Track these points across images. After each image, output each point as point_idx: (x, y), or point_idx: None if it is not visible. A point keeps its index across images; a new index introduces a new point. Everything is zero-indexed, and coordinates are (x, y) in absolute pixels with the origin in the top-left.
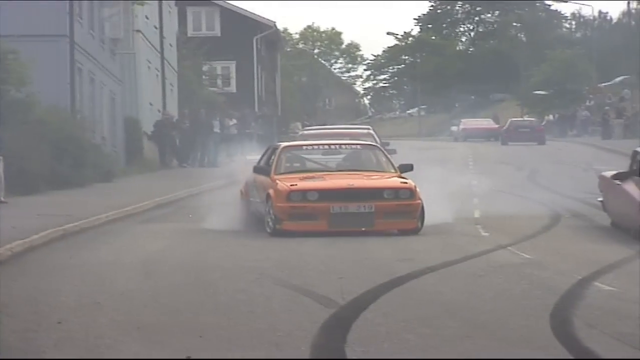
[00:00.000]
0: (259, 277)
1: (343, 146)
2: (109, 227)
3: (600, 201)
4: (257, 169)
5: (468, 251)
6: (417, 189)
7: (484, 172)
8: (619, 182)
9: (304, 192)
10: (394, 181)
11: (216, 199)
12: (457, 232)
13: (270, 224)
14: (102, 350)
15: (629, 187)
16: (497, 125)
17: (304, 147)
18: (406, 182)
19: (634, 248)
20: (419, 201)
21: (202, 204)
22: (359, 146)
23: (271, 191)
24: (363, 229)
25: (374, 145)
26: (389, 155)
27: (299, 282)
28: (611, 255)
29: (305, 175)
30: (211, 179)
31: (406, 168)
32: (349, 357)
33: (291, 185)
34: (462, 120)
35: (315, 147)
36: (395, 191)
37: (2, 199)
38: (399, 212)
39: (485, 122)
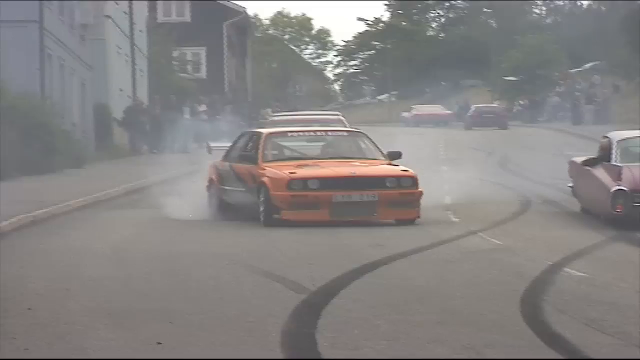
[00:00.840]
0: (229, 263)
1: (329, 133)
2: (78, 214)
3: (571, 187)
4: (241, 157)
5: (439, 237)
6: (417, 177)
7: (455, 158)
8: (589, 168)
9: (304, 181)
10: (396, 169)
11: (186, 186)
12: (428, 219)
13: (265, 213)
14: (73, 336)
15: (599, 173)
16: (448, 112)
17: (289, 134)
18: (407, 171)
19: (604, 234)
20: (421, 190)
21: (172, 190)
22: (345, 133)
23: (266, 179)
24: (365, 218)
25: (360, 132)
26: (375, 143)
27: (269, 268)
28: (581, 241)
29: (297, 163)
30: (181, 165)
31: (395, 155)
32: (320, 344)
33: (290, 173)
34: (413, 106)
35: (300, 134)
36: (398, 179)
37: None
38: (401, 201)
39: (436, 109)
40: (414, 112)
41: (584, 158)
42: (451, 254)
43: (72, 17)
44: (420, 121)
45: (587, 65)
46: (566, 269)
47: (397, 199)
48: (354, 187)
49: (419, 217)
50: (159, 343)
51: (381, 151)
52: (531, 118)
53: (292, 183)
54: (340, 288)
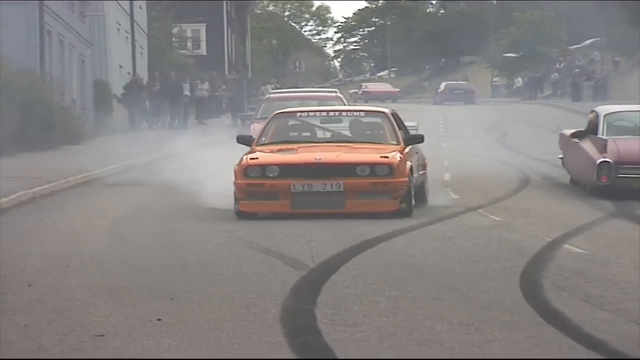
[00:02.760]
0: (228, 239)
1: (344, 113)
2: (78, 190)
3: (560, 158)
4: (241, 139)
5: (437, 214)
6: (405, 165)
7: (454, 135)
8: (576, 141)
9: (262, 167)
10: (372, 155)
11: (185, 162)
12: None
13: (234, 204)
14: (72, 312)
15: (586, 145)
16: (396, 89)
17: (298, 115)
18: (387, 157)
19: (603, 210)
20: (403, 179)
21: (171, 167)
22: (362, 113)
23: (235, 165)
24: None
25: (381, 112)
26: (396, 125)
27: (268, 245)
28: (580, 218)
29: (285, 147)
30: (181, 142)
31: (415, 139)
32: (319, 320)
33: (251, 158)
34: (364, 84)
35: (311, 114)
36: (372, 167)
37: None
38: (376, 191)
39: (384, 86)
40: (364, 89)
41: (572, 131)
42: (450, 231)
43: None
44: (370, 98)
45: (587, 42)
46: (565, 246)
47: (369, 188)
48: (316, 175)
49: (404, 209)
50: (159, 319)
51: (398, 135)
52: (531, 95)
53: (250, 170)
54: (340, 265)
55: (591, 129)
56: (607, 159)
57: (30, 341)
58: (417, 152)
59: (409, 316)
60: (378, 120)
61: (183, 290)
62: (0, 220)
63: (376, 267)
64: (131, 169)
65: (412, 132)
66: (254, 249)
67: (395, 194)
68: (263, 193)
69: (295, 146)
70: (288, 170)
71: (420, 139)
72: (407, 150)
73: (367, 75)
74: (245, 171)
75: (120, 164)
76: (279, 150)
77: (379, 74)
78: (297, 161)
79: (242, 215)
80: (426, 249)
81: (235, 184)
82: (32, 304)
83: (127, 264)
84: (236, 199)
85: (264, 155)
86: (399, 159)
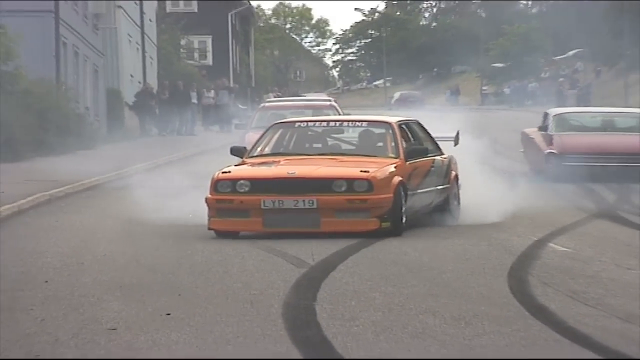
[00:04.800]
0: (233, 239)
1: (346, 123)
2: (91, 193)
3: (522, 152)
4: (234, 150)
5: (430, 216)
6: (390, 180)
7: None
8: (532, 137)
9: (233, 182)
10: (351, 170)
11: (192, 166)
12: None
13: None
14: (86, 307)
15: (538, 140)
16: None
17: (297, 125)
18: (367, 171)
19: (586, 211)
20: (385, 196)
21: (180, 170)
22: (365, 124)
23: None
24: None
25: (385, 123)
26: (400, 138)
27: (271, 244)
28: (565, 218)
29: (271, 159)
30: (188, 147)
31: (419, 152)
32: (319, 315)
33: (222, 172)
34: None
35: (311, 124)
36: (349, 182)
37: None
38: (353, 209)
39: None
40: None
41: (530, 129)
42: (443, 231)
43: (86, 7)
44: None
45: (571, 53)
46: (550, 244)
47: (345, 206)
48: (287, 190)
49: (379, 229)
50: (168, 314)
51: (400, 147)
52: (518, 102)
53: (219, 185)
54: (338, 262)
55: (543, 127)
56: (552, 150)
57: (46, 334)
58: (432, 165)
59: (404, 311)
60: (382, 131)
61: (190, 286)
62: (19, 220)
63: (373, 264)
64: (141, 173)
65: (449, 143)
66: (257, 247)
67: (376, 212)
68: (233, 210)
69: (280, 159)
70: (259, 185)
71: (426, 151)
72: (407, 163)
73: (364, 84)
74: (215, 186)
75: (131, 168)
76: (262, 164)
77: (374, 83)
78: (269, 175)
79: (216, 233)
80: (420, 248)
81: (206, 199)
82: (48, 300)
83: (138, 262)
84: (208, 216)
85: (237, 169)
86: (384, 173)
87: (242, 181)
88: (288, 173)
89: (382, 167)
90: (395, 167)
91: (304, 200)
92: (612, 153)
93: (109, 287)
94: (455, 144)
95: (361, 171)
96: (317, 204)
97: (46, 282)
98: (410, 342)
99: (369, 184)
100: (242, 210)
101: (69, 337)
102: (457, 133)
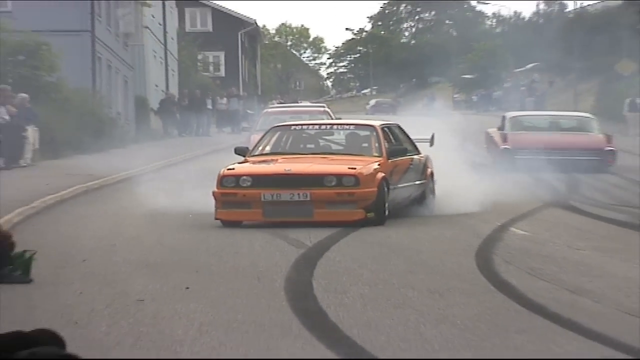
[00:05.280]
0: (242, 225)
1: (336, 126)
2: (122, 185)
3: (485, 148)
4: (237, 150)
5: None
6: (374, 176)
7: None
8: (492, 135)
9: (237, 178)
10: (340, 167)
11: (207, 163)
12: None
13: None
14: (118, 283)
15: (497, 137)
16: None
17: (292, 128)
18: (354, 168)
19: (542, 201)
20: (370, 189)
21: (196, 166)
22: (352, 127)
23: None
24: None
25: (370, 126)
26: (383, 139)
27: (274, 229)
28: (524, 206)
29: (270, 158)
30: (204, 146)
31: (399, 152)
32: (315, 288)
33: (227, 169)
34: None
35: (305, 127)
36: (338, 178)
37: (29, 162)
38: (341, 201)
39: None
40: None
41: (492, 129)
42: (420, 219)
43: (117, 27)
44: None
45: (529, 66)
46: (512, 229)
47: (334, 199)
48: (284, 185)
49: (365, 219)
50: (187, 288)
51: (383, 147)
52: (484, 108)
53: (225, 180)
54: (332, 244)
55: (501, 127)
56: (507, 146)
57: (84, 305)
58: (411, 163)
59: (387, 285)
60: (367, 133)
61: (206, 265)
62: (61, 208)
63: (360, 246)
64: (165, 168)
65: (426, 144)
66: (262, 232)
67: (362, 203)
68: (237, 202)
69: (277, 157)
70: (259, 180)
71: (406, 151)
72: (389, 161)
73: (354, 92)
74: (221, 181)
75: (155, 164)
76: (262, 162)
77: (363, 92)
78: (268, 172)
79: (222, 223)
80: (401, 233)
81: (213, 193)
82: (85, 276)
83: (161, 244)
84: (215, 207)
85: (241, 166)
86: (369, 170)
87: (244, 177)
88: (285, 170)
89: (367, 165)
90: (378, 165)
91: (299, 194)
92: (556, 148)
93: (137, 265)
94: (431, 145)
95: (349, 168)
96: (311, 197)
97: (84, 261)
98: (393, 312)
99: (356, 180)
100: (244, 202)
101: (103, 307)
102: (432, 135)
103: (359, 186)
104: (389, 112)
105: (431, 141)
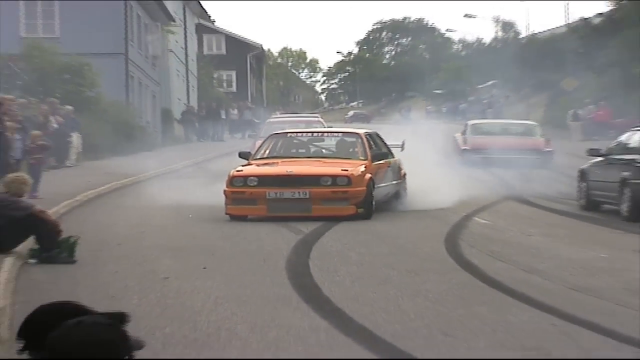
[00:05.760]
0: (251, 216)
1: (326, 134)
2: (150, 182)
3: (452, 149)
4: (242, 154)
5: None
6: (363, 177)
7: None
8: (457, 139)
9: (244, 178)
10: (335, 169)
11: (221, 163)
12: None
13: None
14: (147, 263)
15: (460, 140)
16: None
17: (289, 135)
18: (346, 170)
19: (500, 195)
20: (360, 188)
21: (212, 166)
22: (340, 134)
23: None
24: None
25: (355, 134)
26: (367, 145)
27: (277, 219)
28: (485, 200)
29: (271, 161)
30: (218, 149)
31: (381, 156)
32: (311, 268)
33: (237, 171)
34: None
35: (300, 134)
36: (333, 178)
37: (74, 162)
38: (336, 198)
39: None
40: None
41: (457, 134)
42: (399, 212)
43: (147, 50)
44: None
45: (489, 83)
46: (475, 218)
47: (329, 196)
48: (286, 184)
49: (356, 213)
50: (204, 268)
51: (367, 152)
52: (452, 118)
53: (234, 180)
54: (325, 231)
55: (464, 132)
56: (466, 147)
57: (119, 282)
58: (389, 166)
59: (372, 266)
60: (353, 139)
61: (220, 248)
62: (99, 201)
63: (349, 233)
64: (186, 167)
65: (397, 149)
66: (267, 222)
67: (353, 200)
68: (244, 199)
69: (278, 160)
70: (264, 180)
71: (385, 155)
72: (373, 164)
73: (343, 105)
74: (231, 181)
75: (178, 164)
76: (265, 164)
77: (351, 104)
78: (272, 173)
79: (231, 217)
80: (383, 223)
81: (224, 191)
82: (120, 258)
83: (183, 231)
84: (225, 203)
85: (248, 168)
86: (359, 172)
87: (251, 177)
88: (287, 172)
89: (357, 167)
90: (365, 167)
91: (299, 192)
92: (506, 149)
93: (163, 249)
94: (402, 150)
95: (342, 170)
96: (309, 195)
97: (118, 245)
98: (376, 287)
99: (348, 180)
100: (251, 199)
101: (135, 284)
102: (403, 142)
103: (351, 185)
104: (364, 121)
105: (402, 146)
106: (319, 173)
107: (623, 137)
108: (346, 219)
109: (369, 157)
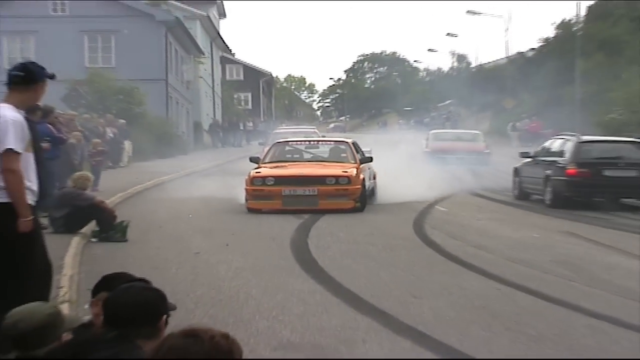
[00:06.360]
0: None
1: (321, 142)
2: (185, 179)
3: (419, 153)
4: (252, 159)
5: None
6: (359, 177)
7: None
8: (422, 144)
9: (263, 178)
10: (337, 171)
11: (240, 165)
12: None
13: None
14: (184, 241)
15: (423, 145)
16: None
17: (290, 143)
18: (346, 172)
19: (456, 189)
20: (357, 187)
21: (233, 167)
22: (332, 143)
23: (246, 176)
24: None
25: (345, 142)
26: (354, 151)
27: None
28: (445, 193)
29: (279, 164)
30: (237, 153)
31: (367, 160)
32: (309, 245)
33: (257, 172)
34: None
35: (299, 143)
36: (336, 178)
37: (125, 164)
38: (338, 194)
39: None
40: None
41: (423, 141)
42: (376, 205)
43: (182, 77)
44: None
45: (447, 102)
46: (436, 207)
47: (333, 193)
48: (299, 184)
49: (358, 207)
50: (227, 245)
51: (355, 157)
52: (418, 129)
53: (255, 180)
54: (320, 217)
55: (426, 139)
56: (427, 150)
57: (160, 256)
58: (369, 168)
59: (356, 243)
60: (343, 147)
61: (239, 230)
62: (145, 194)
63: (338, 219)
64: (213, 167)
65: (366, 155)
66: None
67: (352, 196)
68: (263, 195)
69: (287, 164)
70: (280, 180)
71: (370, 159)
72: (361, 166)
73: (334, 119)
74: (252, 181)
75: (207, 165)
76: (276, 167)
77: (340, 118)
78: (286, 174)
79: (250, 210)
80: (366, 210)
81: (245, 189)
82: (162, 237)
83: (209, 219)
84: (246, 199)
85: (264, 170)
86: (355, 173)
87: (269, 178)
88: (299, 173)
89: (351, 169)
90: (356, 169)
91: (308, 190)
92: (456, 151)
93: (195, 230)
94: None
95: (342, 172)
96: (317, 192)
97: (160, 227)
98: (360, 260)
99: (348, 180)
100: (269, 195)
101: (173, 257)
102: (370, 150)
103: (350, 184)
104: (341, 131)
105: (369, 153)
106: (325, 174)
107: (546, 144)
108: (345, 211)
109: (357, 161)
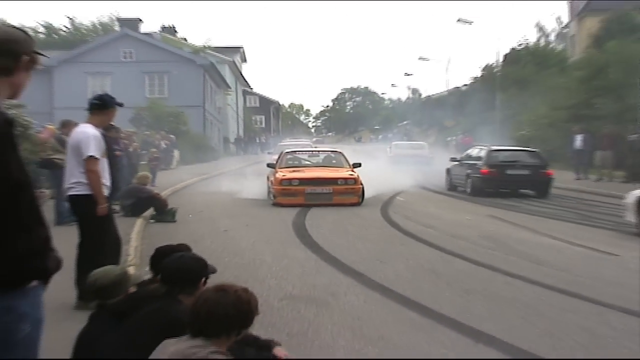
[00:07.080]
0: (269, 200)
1: (320, 152)
2: (218, 178)
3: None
4: (269, 164)
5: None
6: (360, 178)
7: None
8: (387, 151)
9: (290, 180)
10: (345, 173)
11: (255, 167)
12: None
13: (271, 197)
14: (215, 221)
15: (387, 152)
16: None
17: (296, 152)
18: (353, 174)
19: (413, 186)
20: (360, 186)
21: (253, 169)
22: (330, 152)
23: (272, 178)
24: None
25: (338, 152)
26: (346, 158)
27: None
28: (402, 188)
29: (295, 169)
30: (254, 159)
31: (357, 165)
32: (307, 225)
33: (283, 175)
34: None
35: (302, 153)
36: (345, 179)
37: (174, 166)
38: (347, 192)
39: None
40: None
41: (388, 149)
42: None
43: (215, 104)
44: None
45: (404, 122)
46: (397, 197)
47: (344, 191)
48: (318, 184)
49: (360, 202)
50: (247, 225)
51: (348, 163)
52: (384, 142)
53: (283, 181)
54: (314, 206)
55: (389, 148)
56: (391, 155)
57: (198, 232)
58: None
59: (339, 224)
60: (338, 155)
61: (257, 215)
62: (187, 189)
63: (331, 210)
64: (238, 169)
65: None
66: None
67: (357, 194)
68: (290, 193)
69: (300, 168)
70: (303, 181)
71: (359, 165)
72: (354, 170)
73: (324, 135)
74: (280, 182)
75: (234, 167)
76: (294, 171)
77: (327, 134)
78: (308, 177)
79: (277, 204)
80: (355, 206)
81: (274, 188)
82: (200, 219)
83: (237, 205)
84: (274, 196)
85: (288, 174)
86: (356, 175)
87: (294, 179)
88: (317, 176)
89: (352, 172)
90: (354, 172)
91: (325, 189)
92: (409, 155)
93: (224, 214)
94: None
95: (349, 174)
96: (332, 190)
97: (200, 212)
98: (342, 236)
99: (354, 180)
100: (294, 193)
101: (208, 233)
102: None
103: (355, 184)
104: (322, 143)
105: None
106: (337, 177)
107: (469, 151)
108: (353, 205)
109: (350, 166)
